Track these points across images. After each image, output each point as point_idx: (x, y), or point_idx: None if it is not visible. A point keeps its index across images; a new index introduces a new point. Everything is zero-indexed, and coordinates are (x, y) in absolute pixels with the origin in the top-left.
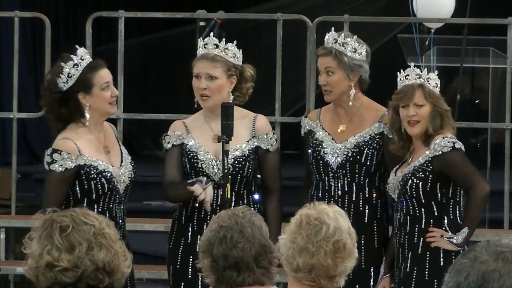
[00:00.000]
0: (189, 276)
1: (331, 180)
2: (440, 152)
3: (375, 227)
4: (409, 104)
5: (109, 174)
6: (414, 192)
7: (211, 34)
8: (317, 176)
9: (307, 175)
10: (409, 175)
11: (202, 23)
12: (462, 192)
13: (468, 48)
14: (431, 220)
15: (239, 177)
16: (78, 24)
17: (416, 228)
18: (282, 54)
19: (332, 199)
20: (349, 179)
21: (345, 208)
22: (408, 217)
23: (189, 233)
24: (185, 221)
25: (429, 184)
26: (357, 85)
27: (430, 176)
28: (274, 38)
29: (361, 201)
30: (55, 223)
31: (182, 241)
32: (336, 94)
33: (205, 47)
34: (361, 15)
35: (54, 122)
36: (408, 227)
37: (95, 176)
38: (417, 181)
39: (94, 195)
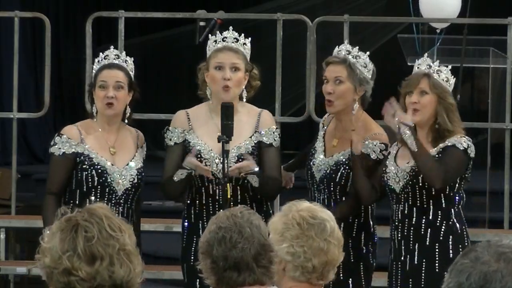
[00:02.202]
0: (198, 268)
1: (315, 191)
2: (453, 144)
3: (350, 244)
4: (413, 91)
5: (101, 169)
6: (426, 184)
7: (217, 33)
8: (307, 183)
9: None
10: None
11: (202, 23)
12: (462, 189)
13: (468, 48)
14: (439, 212)
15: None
16: (78, 24)
17: (423, 220)
18: (282, 54)
19: None
20: (327, 195)
21: None
22: (414, 208)
23: (200, 231)
24: (195, 219)
25: None
26: (359, 102)
27: None
28: (274, 38)
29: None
30: (80, 229)
31: (195, 239)
32: (340, 106)
33: (223, 40)
34: (361, 15)
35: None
36: (414, 219)
37: (87, 167)
38: None
39: (84, 187)
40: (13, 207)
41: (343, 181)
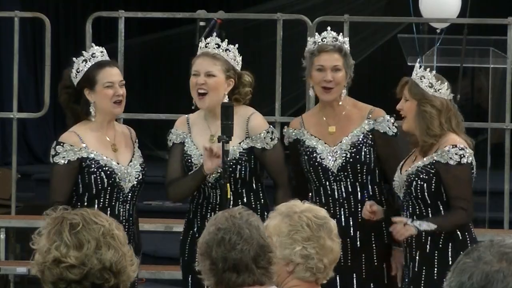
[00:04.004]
0: (197, 269)
1: (332, 184)
2: (446, 162)
3: (384, 224)
4: (401, 98)
5: (110, 170)
6: (419, 193)
7: (214, 34)
8: (317, 182)
9: (296, 183)
10: (413, 176)
11: (202, 23)
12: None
13: (468, 48)
14: None
15: (232, 180)
16: (78, 24)
17: None
18: (282, 54)
19: (337, 202)
20: (351, 180)
21: (352, 209)
22: (414, 217)
23: (195, 228)
24: (193, 216)
25: (433, 185)
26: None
27: (434, 178)
28: (274, 38)
29: (366, 199)
30: (66, 221)
31: (190, 234)
32: (337, 93)
33: (206, 47)
34: (361, 15)
35: (70, 119)
36: None
37: (95, 170)
38: (421, 183)
39: (94, 190)
40: (13, 207)
41: (367, 159)
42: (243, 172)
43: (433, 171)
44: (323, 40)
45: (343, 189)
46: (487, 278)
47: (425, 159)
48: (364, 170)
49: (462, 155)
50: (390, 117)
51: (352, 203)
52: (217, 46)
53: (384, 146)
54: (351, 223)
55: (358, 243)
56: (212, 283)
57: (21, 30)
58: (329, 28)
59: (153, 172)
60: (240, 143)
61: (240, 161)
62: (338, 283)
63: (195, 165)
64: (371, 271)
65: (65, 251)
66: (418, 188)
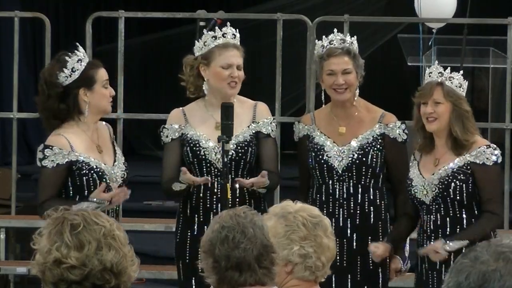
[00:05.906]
0: (200, 271)
1: (335, 183)
2: (483, 162)
3: (380, 228)
4: (428, 102)
5: (100, 171)
6: (458, 195)
7: (218, 28)
8: (320, 180)
9: (302, 180)
10: (450, 178)
11: (202, 23)
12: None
13: (468, 48)
14: (473, 220)
15: (242, 163)
16: (78, 24)
17: (458, 229)
18: (282, 54)
19: (337, 202)
20: (354, 182)
21: (351, 211)
22: (447, 218)
23: (195, 225)
24: (191, 213)
25: (470, 185)
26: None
27: (470, 178)
28: (274, 38)
29: (366, 203)
30: (66, 221)
31: (189, 234)
32: (350, 94)
33: (224, 36)
34: (361, 15)
35: (49, 120)
36: (448, 229)
37: (86, 172)
38: (461, 184)
39: (86, 191)
40: (13, 207)
41: (373, 163)
42: (252, 156)
43: (469, 172)
44: (331, 43)
45: (344, 190)
46: (484, 278)
47: (456, 160)
48: (369, 174)
49: (497, 155)
50: (401, 123)
51: (352, 205)
52: (233, 36)
53: (392, 152)
54: (348, 224)
55: (355, 244)
56: (214, 281)
57: (21, 30)
58: (335, 30)
59: (153, 172)
60: (248, 127)
61: (250, 144)
62: (333, 283)
63: (204, 148)
64: (366, 273)
65: (66, 252)
66: (458, 189)
